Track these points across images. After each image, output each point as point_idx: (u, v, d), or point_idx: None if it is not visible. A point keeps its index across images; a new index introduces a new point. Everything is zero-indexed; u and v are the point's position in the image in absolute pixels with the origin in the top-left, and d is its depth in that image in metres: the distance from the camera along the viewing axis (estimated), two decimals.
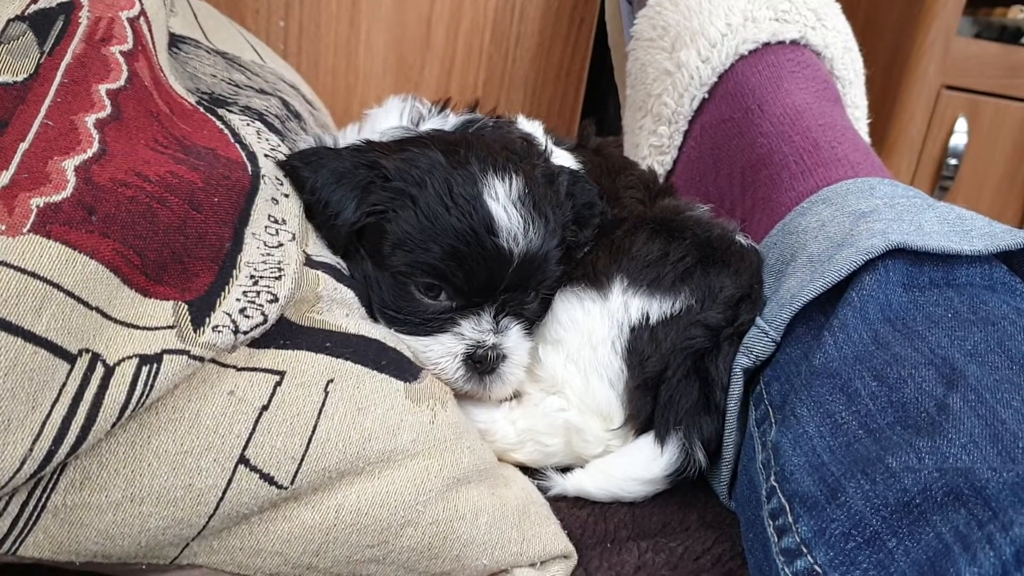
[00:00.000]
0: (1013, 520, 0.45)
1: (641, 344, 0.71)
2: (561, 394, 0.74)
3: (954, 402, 0.53)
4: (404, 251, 0.67)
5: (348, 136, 0.82)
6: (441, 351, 0.69)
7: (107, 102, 0.58)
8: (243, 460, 0.54)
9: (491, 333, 0.70)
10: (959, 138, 1.55)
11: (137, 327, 0.52)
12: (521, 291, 0.70)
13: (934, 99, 1.53)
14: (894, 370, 0.58)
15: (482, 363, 0.70)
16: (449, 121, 0.80)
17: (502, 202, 0.67)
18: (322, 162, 0.69)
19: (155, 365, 0.51)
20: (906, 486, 0.50)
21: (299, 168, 0.70)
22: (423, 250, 0.66)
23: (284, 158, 0.71)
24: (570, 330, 0.73)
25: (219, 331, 0.55)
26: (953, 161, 1.56)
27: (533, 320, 0.74)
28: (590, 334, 0.72)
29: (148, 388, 0.50)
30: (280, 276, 0.61)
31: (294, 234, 0.66)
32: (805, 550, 0.53)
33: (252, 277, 0.60)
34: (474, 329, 0.69)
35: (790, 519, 0.56)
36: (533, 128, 0.85)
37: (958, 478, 0.49)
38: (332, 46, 1.38)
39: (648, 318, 0.71)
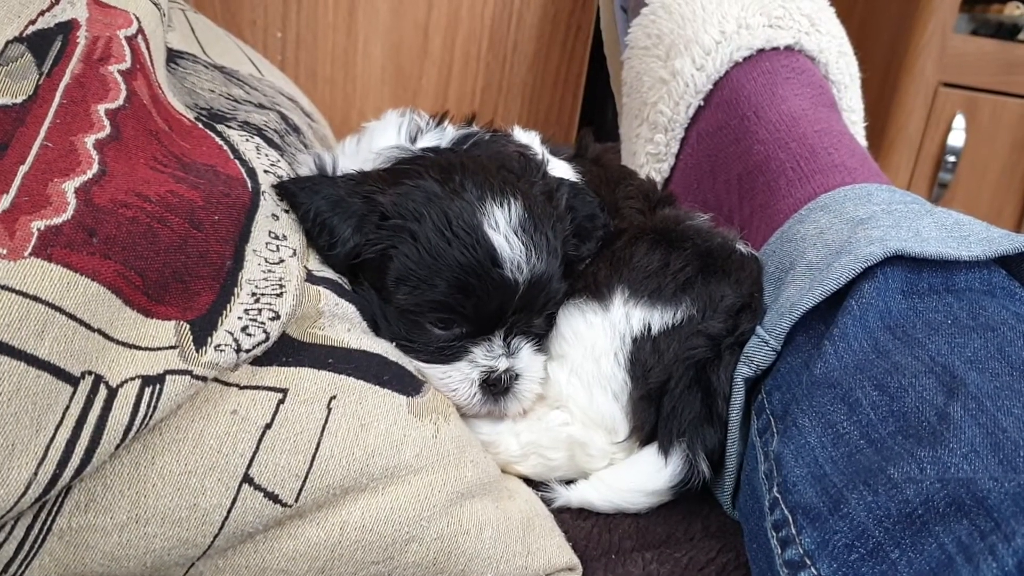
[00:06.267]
0: (1015, 531, 0.45)
1: (644, 355, 0.71)
2: (565, 408, 0.74)
3: (955, 411, 0.53)
4: (409, 287, 0.67)
5: (347, 149, 0.82)
6: (458, 377, 0.70)
7: (106, 122, 0.59)
8: (247, 479, 0.54)
9: (503, 357, 0.71)
10: (957, 135, 1.55)
11: (139, 348, 0.53)
12: (528, 312, 0.71)
13: (931, 97, 1.52)
14: (894, 379, 0.58)
15: (496, 386, 0.71)
16: (446, 135, 0.80)
17: (503, 231, 0.66)
18: (317, 188, 0.69)
19: (158, 386, 0.51)
20: (908, 497, 0.50)
21: (295, 194, 0.70)
22: (429, 286, 0.67)
23: (281, 180, 0.71)
24: (573, 343, 0.73)
25: (221, 350, 0.55)
26: (951, 158, 1.56)
27: (542, 336, 0.74)
28: (593, 346, 0.72)
29: (151, 409, 0.51)
30: (282, 293, 0.61)
31: (295, 250, 0.67)
32: (808, 562, 0.54)
33: (253, 295, 0.60)
34: (486, 355, 0.70)
35: (793, 531, 0.56)
36: (529, 139, 0.85)
37: (960, 488, 0.49)
38: (330, 56, 1.39)
39: (650, 329, 0.71)
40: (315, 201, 0.68)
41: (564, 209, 0.74)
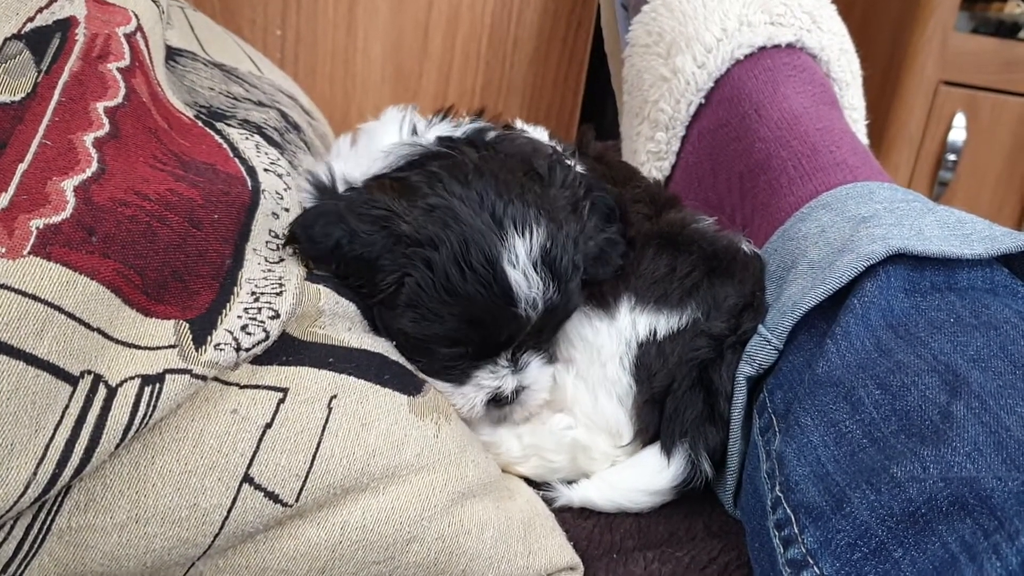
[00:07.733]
0: (1019, 530, 0.45)
1: (649, 359, 0.70)
2: (569, 412, 0.73)
3: (958, 409, 0.53)
4: (417, 314, 0.64)
5: (342, 150, 0.80)
6: (465, 398, 0.69)
7: (105, 120, 0.58)
8: (247, 479, 0.54)
9: (509, 376, 0.70)
10: (957, 133, 1.55)
11: (139, 347, 0.52)
12: (537, 334, 0.69)
13: (932, 95, 1.52)
14: (897, 378, 0.58)
15: (502, 400, 0.70)
16: (459, 127, 0.77)
17: (521, 265, 0.63)
18: (328, 231, 0.65)
19: (157, 385, 0.51)
20: (911, 496, 0.50)
21: (301, 238, 0.66)
22: (437, 318, 0.64)
23: (288, 232, 0.67)
24: (579, 348, 0.73)
25: (221, 349, 0.55)
26: (952, 156, 1.56)
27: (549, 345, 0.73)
28: (599, 351, 0.71)
29: (151, 408, 0.50)
30: (281, 292, 0.61)
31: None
32: (811, 561, 0.53)
33: (253, 293, 0.60)
34: (492, 376, 0.69)
35: (796, 530, 0.56)
36: (538, 134, 0.83)
37: (963, 487, 0.49)
38: (329, 54, 1.38)
39: (656, 333, 0.70)
40: (335, 234, 0.65)
41: (589, 221, 0.71)
